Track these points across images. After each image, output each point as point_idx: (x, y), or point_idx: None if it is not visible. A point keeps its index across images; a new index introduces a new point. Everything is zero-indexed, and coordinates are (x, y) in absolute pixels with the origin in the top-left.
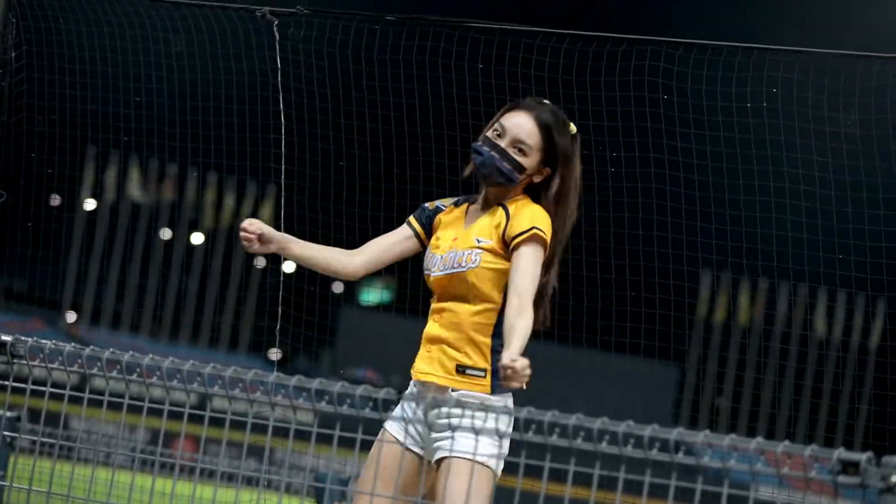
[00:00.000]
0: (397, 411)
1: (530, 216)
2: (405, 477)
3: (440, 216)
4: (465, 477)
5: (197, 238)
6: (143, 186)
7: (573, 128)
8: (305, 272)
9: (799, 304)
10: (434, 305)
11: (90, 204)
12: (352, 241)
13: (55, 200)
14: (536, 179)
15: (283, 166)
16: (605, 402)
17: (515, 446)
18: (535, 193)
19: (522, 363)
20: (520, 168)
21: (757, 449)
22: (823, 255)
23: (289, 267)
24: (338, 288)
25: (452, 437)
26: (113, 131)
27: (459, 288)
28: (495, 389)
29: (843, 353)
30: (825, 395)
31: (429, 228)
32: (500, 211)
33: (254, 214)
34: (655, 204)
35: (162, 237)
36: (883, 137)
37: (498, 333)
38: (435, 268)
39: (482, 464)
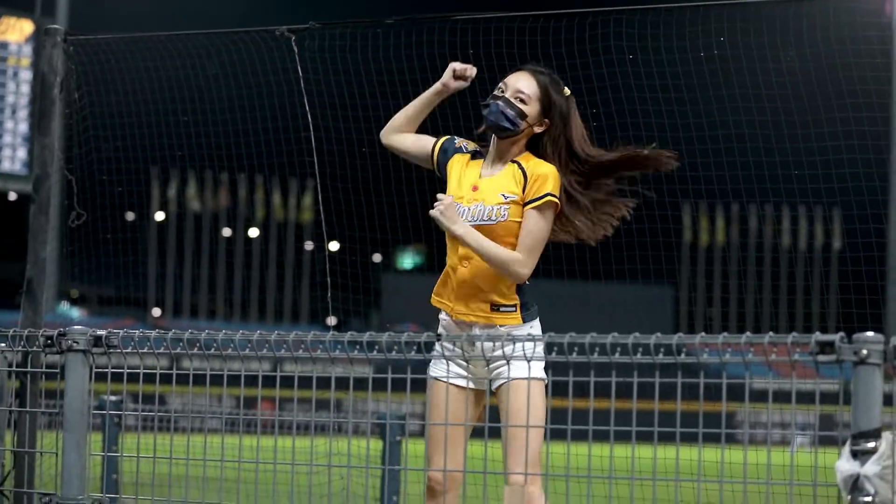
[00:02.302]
0: (437, 355)
1: (544, 179)
2: (457, 408)
3: (455, 159)
4: (524, 392)
5: (253, 232)
6: (201, 194)
7: (567, 90)
8: (347, 247)
9: (767, 219)
10: (461, 251)
11: (160, 215)
12: (381, 212)
13: (129, 216)
14: (538, 129)
15: (316, 158)
16: (613, 324)
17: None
18: (536, 149)
19: (448, 201)
20: (522, 114)
21: (747, 343)
22: (781, 172)
23: (333, 246)
24: (377, 257)
25: (508, 366)
26: (169, 149)
27: (487, 238)
28: (525, 320)
29: (809, 255)
30: (798, 292)
31: (442, 160)
32: (517, 169)
33: (298, 205)
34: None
35: (223, 235)
36: (817, 67)
37: None
38: (463, 218)
39: (536, 379)
